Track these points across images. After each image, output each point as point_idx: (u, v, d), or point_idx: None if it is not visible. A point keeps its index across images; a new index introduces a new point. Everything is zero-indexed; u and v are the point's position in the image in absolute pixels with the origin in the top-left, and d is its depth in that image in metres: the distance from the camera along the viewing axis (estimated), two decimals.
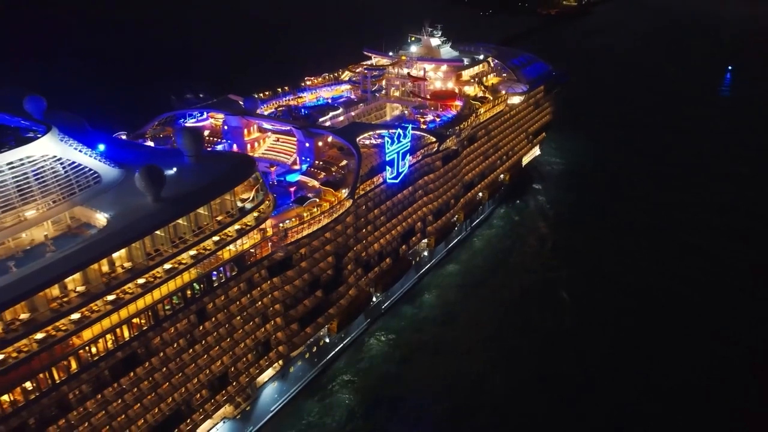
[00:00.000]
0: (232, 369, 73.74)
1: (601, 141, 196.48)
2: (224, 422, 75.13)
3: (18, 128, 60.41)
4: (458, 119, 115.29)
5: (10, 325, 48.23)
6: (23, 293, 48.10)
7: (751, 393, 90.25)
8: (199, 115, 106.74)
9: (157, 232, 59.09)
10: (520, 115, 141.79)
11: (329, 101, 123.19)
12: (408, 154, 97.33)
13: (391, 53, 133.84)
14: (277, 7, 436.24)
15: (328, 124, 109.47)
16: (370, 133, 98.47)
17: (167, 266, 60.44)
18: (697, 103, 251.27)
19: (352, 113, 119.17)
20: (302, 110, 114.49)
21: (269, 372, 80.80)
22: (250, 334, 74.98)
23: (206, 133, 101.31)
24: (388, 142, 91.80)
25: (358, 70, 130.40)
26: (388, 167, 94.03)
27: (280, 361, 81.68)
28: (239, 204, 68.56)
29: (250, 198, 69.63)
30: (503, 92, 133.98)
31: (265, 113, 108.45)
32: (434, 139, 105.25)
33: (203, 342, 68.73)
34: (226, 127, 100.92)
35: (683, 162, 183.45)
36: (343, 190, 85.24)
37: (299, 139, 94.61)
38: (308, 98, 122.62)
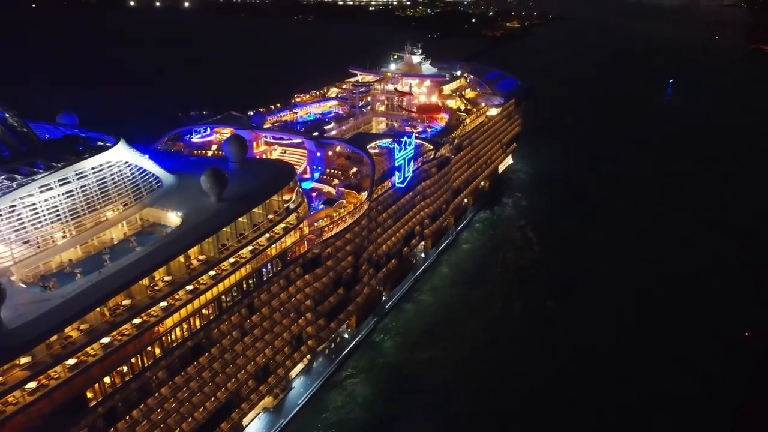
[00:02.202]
0: (272, 361, 79.01)
1: (564, 149, 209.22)
2: (263, 413, 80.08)
3: (86, 138, 65.03)
4: (448, 129, 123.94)
5: (116, 311, 52.91)
6: (132, 279, 53.09)
7: (752, 392, 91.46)
8: (203, 130, 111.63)
9: (224, 228, 64.56)
10: (496, 126, 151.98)
11: (319, 116, 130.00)
12: (412, 161, 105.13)
13: (374, 71, 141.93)
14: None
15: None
16: (376, 143, 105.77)
17: (232, 260, 65.87)
18: (646, 113, 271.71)
19: (343, 127, 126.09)
20: (297, 125, 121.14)
21: (299, 366, 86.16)
22: (287, 327, 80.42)
23: (214, 147, 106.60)
24: (396, 149, 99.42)
25: (344, 87, 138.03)
26: (396, 172, 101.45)
27: (309, 356, 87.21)
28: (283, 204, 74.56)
29: (292, 199, 75.77)
30: (483, 104, 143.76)
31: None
32: (431, 147, 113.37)
33: (251, 334, 73.93)
34: None
35: (653, 164, 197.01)
36: (363, 193, 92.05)
37: (310, 149, 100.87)
38: (299, 114, 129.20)
